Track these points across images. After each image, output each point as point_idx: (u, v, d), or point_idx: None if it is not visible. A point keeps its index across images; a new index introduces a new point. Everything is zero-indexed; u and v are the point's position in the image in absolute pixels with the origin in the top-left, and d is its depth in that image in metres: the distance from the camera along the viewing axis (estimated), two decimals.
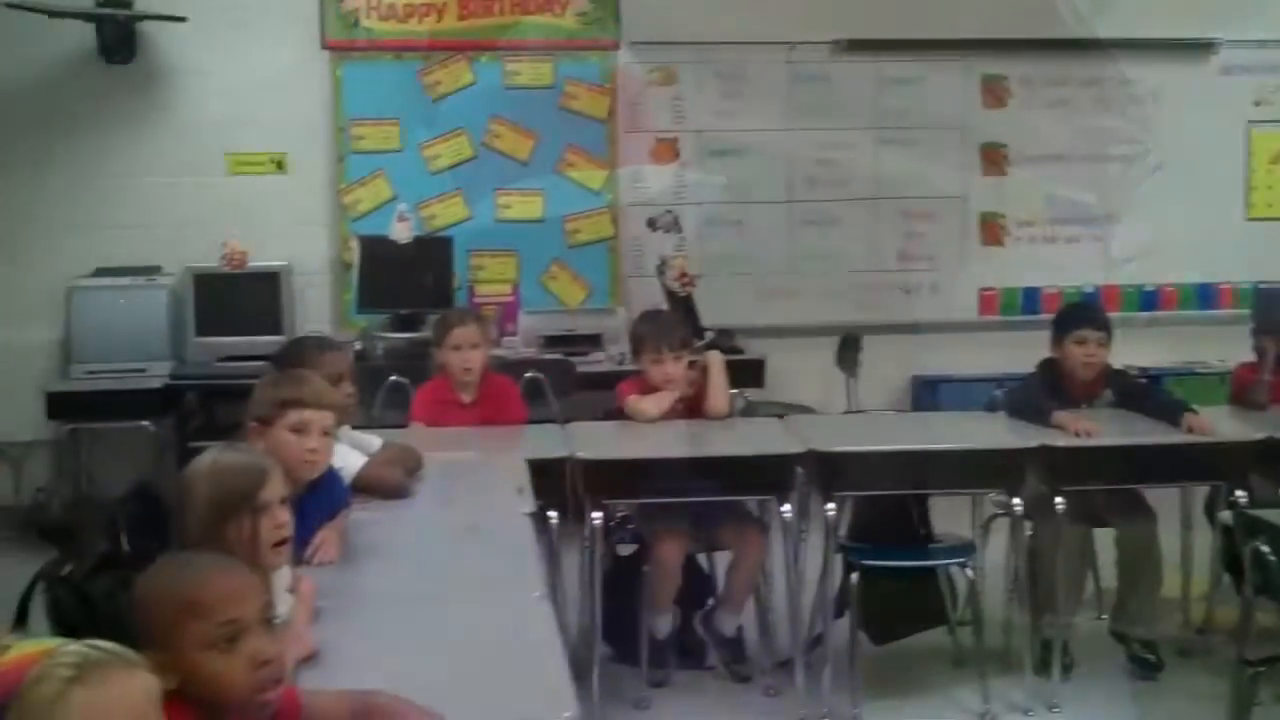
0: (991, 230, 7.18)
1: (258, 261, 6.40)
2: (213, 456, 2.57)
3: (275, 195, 6.67)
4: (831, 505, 4.46)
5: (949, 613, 4.92)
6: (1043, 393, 4.85)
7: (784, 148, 6.98)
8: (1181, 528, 4.99)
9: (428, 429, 4.80)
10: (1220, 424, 4.71)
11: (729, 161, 6.96)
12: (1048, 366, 5.00)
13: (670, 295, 6.46)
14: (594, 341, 6.49)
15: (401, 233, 6.52)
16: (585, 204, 6.91)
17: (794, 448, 4.53)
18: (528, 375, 5.83)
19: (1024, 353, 5.75)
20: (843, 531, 4.63)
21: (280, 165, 6.69)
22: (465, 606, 2.95)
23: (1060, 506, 4.52)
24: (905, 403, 7.16)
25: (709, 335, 6.31)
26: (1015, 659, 4.76)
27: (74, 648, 1.50)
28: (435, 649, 2.68)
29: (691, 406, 4.91)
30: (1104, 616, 5.08)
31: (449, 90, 6.77)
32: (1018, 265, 7.20)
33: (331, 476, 3.38)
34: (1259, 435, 4.63)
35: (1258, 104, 7.31)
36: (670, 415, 4.85)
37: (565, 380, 6.05)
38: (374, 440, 4.04)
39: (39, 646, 1.49)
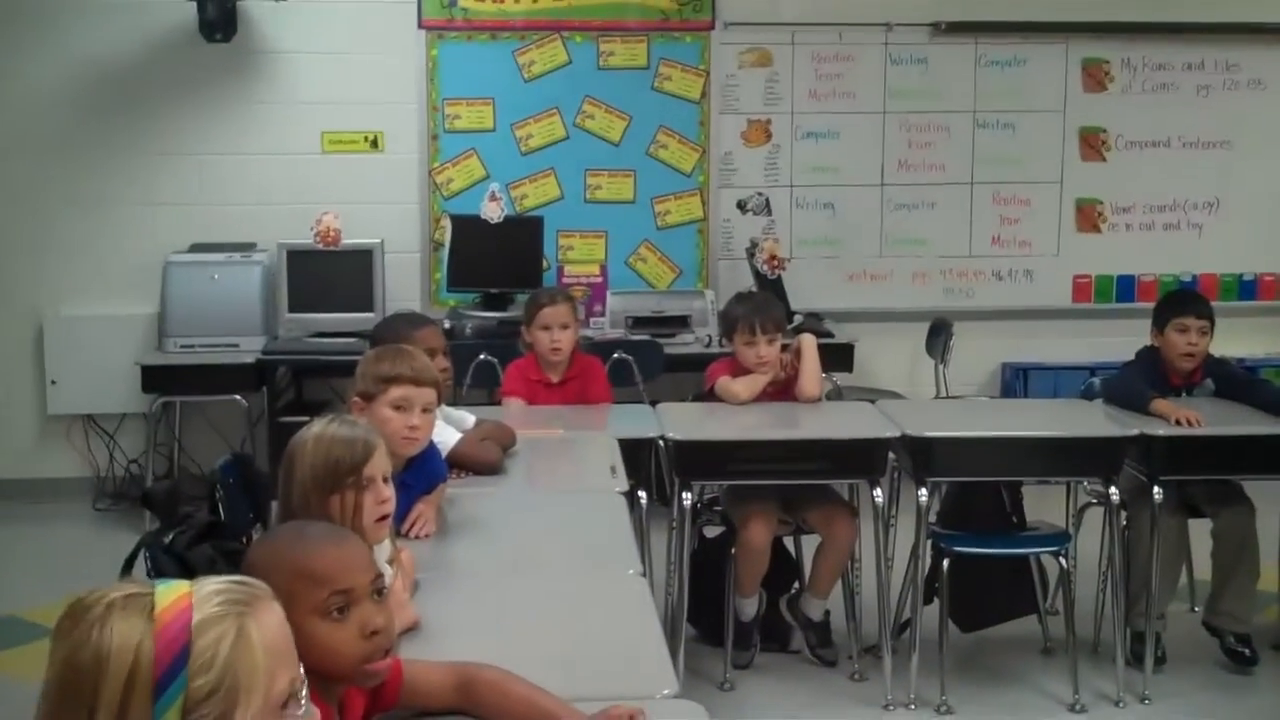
0: (1088, 216, 7.08)
1: (350, 239, 6.45)
2: (319, 428, 2.56)
3: (369, 173, 6.71)
4: (924, 491, 4.43)
5: (1040, 601, 4.88)
6: (1142, 380, 4.78)
7: (878, 131, 6.92)
8: None
9: (517, 406, 4.81)
10: None
11: (822, 144, 6.91)
12: (1148, 354, 4.93)
13: (760, 278, 6.44)
14: (682, 323, 6.48)
15: (493, 212, 6.55)
16: (675, 185, 6.89)
17: (888, 432, 4.50)
18: (615, 356, 5.84)
19: (1117, 341, 5.72)
20: (932, 517, 4.60)
21: (375, 144, 6.73)
22: (563, 582, 2.97)
23: (1158, 497, 4.47)
24: (994, 390, 7.09)
25: (798, 319, 6.30)
26: (1106, 649, 4.71)
27: (215, 586, 1.48)
28: (534, 623, 2.70)
29: (781, 390, 4.89)
30: (1197, 609, 5.02)
31: (543, 70, 6.78)
32: (1114, 252, 7.09)
33: (430, 452, 3.40)
34: None
35: None
36: (760, 398, 4.83)
37: (652, 362, 6.05)
38: (468, 417, 4.08)
39: (176, 591, 1.48)
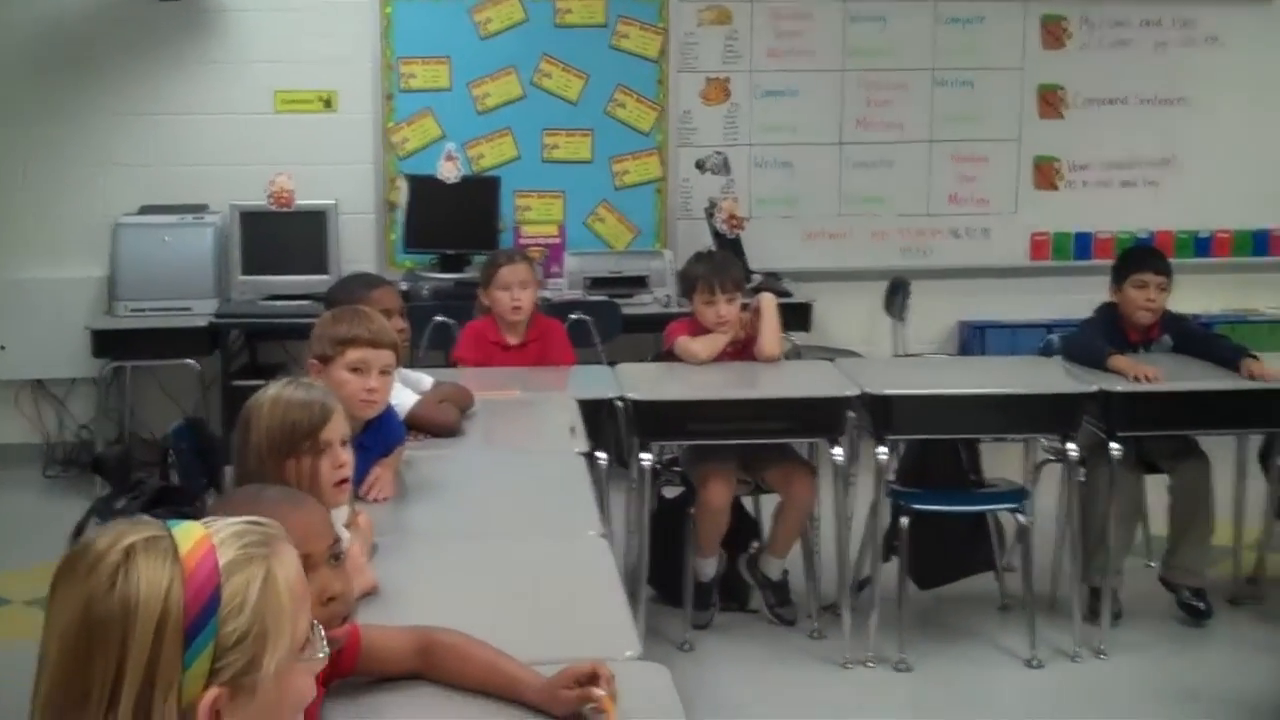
0: (1045, 174, 7.08)
1: (304, 200, 6.38)
2: (276, 391, 2.53)
3: (323, 133, 6.62)
4: (883, 449, 4.43)
5: (997, 558, 4.90)
6: (1101, 337, 4.80)
7: (837, 89, 6.88)
8: (1236, 475, 4.95)
9: (477, 369, 4.77)
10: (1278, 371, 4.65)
11: (781, 102, 6.87)
12: (1106, 310, 4.95)
13: (718, 237, 6.42)
14: (640, 283, 6.44)
15: (449, 172, 6.49)
16: (634, 145, 6.85)
17: (847, 390, 4.51)
18: (573, 317, 5.81)
19: (1073, 298, 5.73)
20: (890, 475, 4.60)
21: (329, 103, 6.64)
22: (523, 545, 2.95)
23: (1117, 453, 4.48)
24: (952, 348, 7.09)
25: (756, 278, 6.28)
26: (1063, 605, 4.74)
27: (234, 526, 1.42)
28: (495, 586, 2.68)
29: (740, 349, 4.87)
30: (1152, 564, 5.06)
31: (500, 28, 6.70)
32: (1071, 210, 7.09)
33: (389, 414, 3.37)
34: None
35: None
36: (719, 358, 4.81)
37: (610, 322, 6.03)
38: (425, 378, 4.04)
39: (196, 532, 1.39)
